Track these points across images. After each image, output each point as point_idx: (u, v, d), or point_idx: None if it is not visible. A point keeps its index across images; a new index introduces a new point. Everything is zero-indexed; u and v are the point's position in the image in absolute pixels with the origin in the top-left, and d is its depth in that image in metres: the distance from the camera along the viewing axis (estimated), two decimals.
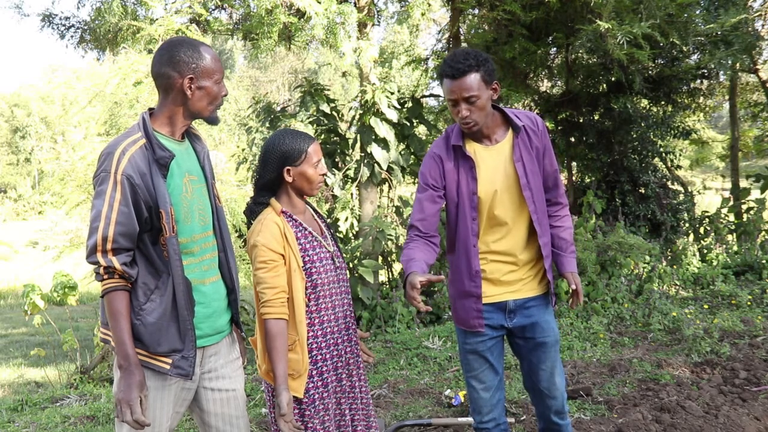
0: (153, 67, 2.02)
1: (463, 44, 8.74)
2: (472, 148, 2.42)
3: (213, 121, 2.09)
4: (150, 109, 2.07)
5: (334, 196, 7.11)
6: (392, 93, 6.93)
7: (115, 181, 1.87)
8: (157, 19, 6.44)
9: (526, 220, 2.43)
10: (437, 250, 2.44)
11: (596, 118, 9.60)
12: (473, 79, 2.26)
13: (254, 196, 2.30)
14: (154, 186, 1.92)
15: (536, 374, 2.51)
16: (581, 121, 9.60)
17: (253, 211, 2.28)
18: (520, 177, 2.38)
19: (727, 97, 11.27)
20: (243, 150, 7.98)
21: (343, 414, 2.31)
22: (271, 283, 2.15)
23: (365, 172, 6.97)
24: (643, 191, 9.21)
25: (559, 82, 10.12)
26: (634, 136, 9.38)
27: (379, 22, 8.70)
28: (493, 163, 2.41)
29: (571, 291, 2.48)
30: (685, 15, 7.01)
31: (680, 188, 9.88)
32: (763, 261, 7.33)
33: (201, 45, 2.03)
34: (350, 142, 7.52)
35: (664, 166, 9.98)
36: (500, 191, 2.40)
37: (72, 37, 7.80)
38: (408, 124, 7.26)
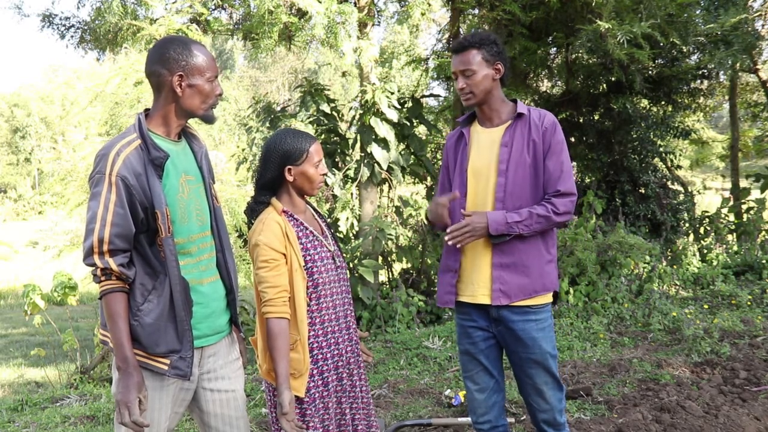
0: (145, 65, 2.02)
1: None
2: (475, 128, 2.52)
3: (208, 119, 2.07)
4: (146, 110, 2.07)
5: (334, 196, 7.10)
6: (392, 93, 6.92)
7: (110, 182, 1.87)
8: (157, 19, 6.44)
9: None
10: None
11: (596, 118, 9.60)
12: (472, 55, 2.41)
13: (255, 195, 2.30)
14: (150, 187, 1.91)
15: (524, 387, 2.50)
16: (581, 121, 9.59)
17: (253, 210, 2.28)
18: (500, 162, 2.39)
19: (727, 97, 11.27)
20: (243, 150, 7.97)
21: (344, 413, 2.31)
22: (272, 283, 2.15)
23: (365, 172, 6.97)
24: (643, 191, 9.21)
25: (559, 82, 10.11)
26: (634, 136, 9.38)
27: (379, 22, 8.69)
28: (486, 143, 2.46)
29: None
30: (685, 15, 7.01)
31: (680, 188, 9.88)
32: (763, 261, 7.33)
33: (193, 43, 2.02)
34: (350, 142, 7.52)
35: (664, 166, 9.98)
36: (485, 172, 2.42)
37: (72, 37, 7.79)
38: (408, 124, 7.26)
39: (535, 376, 2.43)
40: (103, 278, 1.90)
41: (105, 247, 1.87)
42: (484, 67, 2.40)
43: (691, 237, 8.94)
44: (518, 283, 2.37)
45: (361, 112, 6.98)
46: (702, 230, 9.04)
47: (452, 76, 2.48)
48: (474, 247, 2.43)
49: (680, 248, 8.00)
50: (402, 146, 7.28)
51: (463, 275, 2.47)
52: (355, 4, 6.83)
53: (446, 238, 2.33)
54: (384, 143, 6.88)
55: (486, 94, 2.43)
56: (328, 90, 7.63)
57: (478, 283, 2.43)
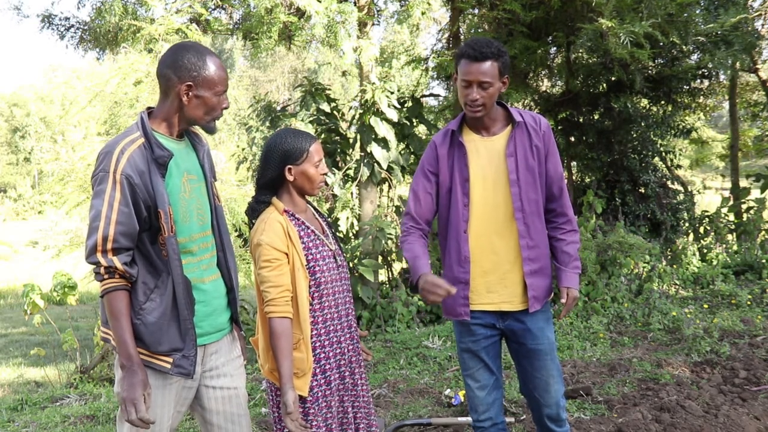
0: (158, 66, 2.02)
1: None
2: (470, 137, 2.46)
3: (209, 130, 2.07)
4: (149, 109, 2.06)
5: (334, 196, 7.11)
6: (392, 92, 6.93)
7: (114, 180, 1.87)
8: (157, 19, 6.44)
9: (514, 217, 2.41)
10: (427, 240, 2.54)
11: (596, 117, 9.60)
12: (491, 66, 2.33)
13: (256, 195, 2.30)
14: (153, 185, 1.91)
15: (530, 381, 2.51)
16: (581, 120, 9.59)
17: (255, 210, 2.28)
18: (510, 172, 2.38)
19: (727, 97, 11.26)
20: (243, 149, 7.98)
21: (346, 412, 2.31)
22: (275, 282, 2.15)
23: (365, 171, 6.97)
24: (643, 191, 9.21)
25: (559, 82, 10.11)
26: (634, 135, 9.38)
27: (379, 21, 8.70)
28: (487, 154, 2.43)
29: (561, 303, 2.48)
30: (685, 14, 7.00)
31: (680, 188, 9.87)
32: (763, 261, 7.33)
33: (209, 54, 1.99)
34: (350, 141, 7.52)
35: (664, 165, 9.98)
36: (491, 183, 2.41)
37: (72, 37, 7.80)
38: (408, 123, 7.27)
39: (542, 368, 2.46)
40: (106, 276, 1.90)
41: (109, 246, 1.87)
42: (497, 79, 2.35)
43: (691, 237, 8.94)
44: (544, 286, 2.46)
45: (361, 111, 6.98)
46: (702, 230, 9.04)
47: (459, 83, 2.38)
48: (494, 256, 2.42)
49: (680, 248, 8.00)
50: (402, 146, 7.28)
51: (475, 285, 2.46)
52: (355, 3, 6.83)
53: (560, 317, 2.49)
54: (384, 143, 6.88)
55: (491, 107, 2.40)
56: (329, 90, 7.63)
57: (503, 292, 2.43)
